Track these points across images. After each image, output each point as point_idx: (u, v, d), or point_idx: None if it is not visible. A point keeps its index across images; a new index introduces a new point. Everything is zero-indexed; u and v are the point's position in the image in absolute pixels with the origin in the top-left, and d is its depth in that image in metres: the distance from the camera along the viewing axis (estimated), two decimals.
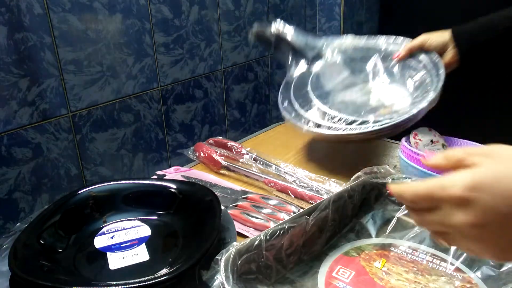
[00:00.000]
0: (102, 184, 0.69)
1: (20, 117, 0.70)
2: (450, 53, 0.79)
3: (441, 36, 0.80)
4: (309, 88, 0.90)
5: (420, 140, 0.75)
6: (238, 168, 0.85)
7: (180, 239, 0.63)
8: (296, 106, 0.87)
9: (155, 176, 0.86)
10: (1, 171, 0.69)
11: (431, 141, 0.75)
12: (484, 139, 0.70)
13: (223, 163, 0.87)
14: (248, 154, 0.89)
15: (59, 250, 0.59)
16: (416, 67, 0.82)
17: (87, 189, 0.68)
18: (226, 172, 0.87)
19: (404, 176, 0.64)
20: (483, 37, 0.76)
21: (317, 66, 0.94)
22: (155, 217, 0.68)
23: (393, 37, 0.89)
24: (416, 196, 0.39)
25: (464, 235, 0.37)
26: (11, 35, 0.66)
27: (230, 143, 0.93)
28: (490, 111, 1.37)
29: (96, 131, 0.81)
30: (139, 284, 0.49)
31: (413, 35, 0.86)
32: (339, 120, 0.79)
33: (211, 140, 0.97)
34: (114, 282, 0.52)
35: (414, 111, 0.72)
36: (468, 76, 1.11)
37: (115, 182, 0.71)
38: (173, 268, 0.54)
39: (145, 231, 0.65)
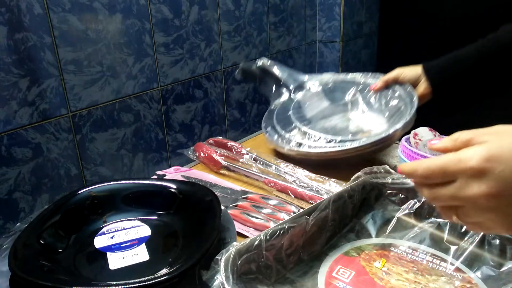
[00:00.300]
0: (102, 184, 0.69)
1: (20, 117, 0.70)
2: (422, 86, 0.84)
3: (414, 70, 0.86)
4: (290, 112, 0.96)
5: (420, 140, 0.75)
6: (238, 168, 0.85)
7: (180, 239, 0.63)
8: (278, 128, 0.93)
9: (155, 176, 0.86)
10: (1, 171, 0.69)
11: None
12: None
13: (223, 163, 0.87)
14: (248, 154, 0.89)
15: (59, 250, 0.59)
16: (392, 96, 0.88)
17: (87, 189, 0.68)
18: (226, 172, 0.87)
19: (404, 176, 0.64)
20: (452, 70, 0.80)
21: (299, 95, 1.01)
22: (155, 217, 0.68)
23: (370, 73, 0.96)
24: (430, 170, 0.40)
25: (478, 206, 0.37)
26: (11, 35, 0.66)
27: (230, 143, 0.93)
28: (489, 111, 1.37)
29: (96, 131, 0.81)
30: (139, 284, 0.49)
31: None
32: (319, 139, 0.84)
33: (211, 140, 0.97)
34: (114, 282, 0.52)
35: (391, 131, 0.78)
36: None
37: (115, 182, 0.71)
38: (173, 268, 0.54)
39: (145, 231, 0.65)
